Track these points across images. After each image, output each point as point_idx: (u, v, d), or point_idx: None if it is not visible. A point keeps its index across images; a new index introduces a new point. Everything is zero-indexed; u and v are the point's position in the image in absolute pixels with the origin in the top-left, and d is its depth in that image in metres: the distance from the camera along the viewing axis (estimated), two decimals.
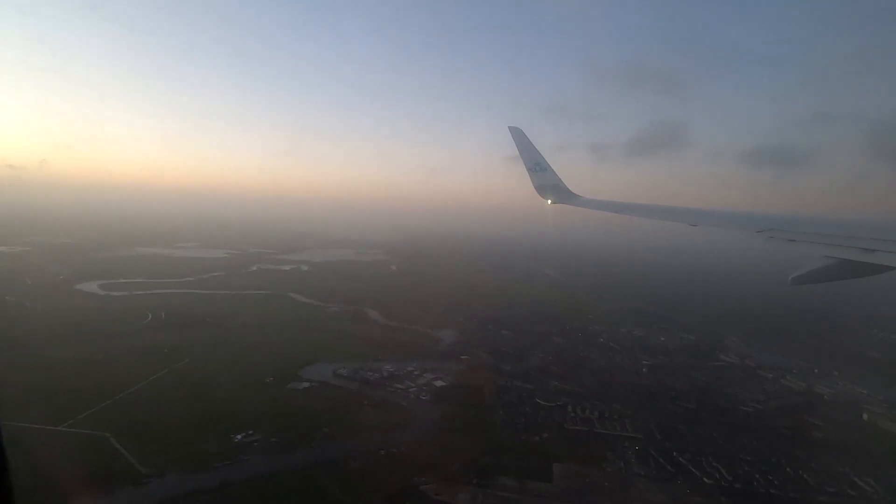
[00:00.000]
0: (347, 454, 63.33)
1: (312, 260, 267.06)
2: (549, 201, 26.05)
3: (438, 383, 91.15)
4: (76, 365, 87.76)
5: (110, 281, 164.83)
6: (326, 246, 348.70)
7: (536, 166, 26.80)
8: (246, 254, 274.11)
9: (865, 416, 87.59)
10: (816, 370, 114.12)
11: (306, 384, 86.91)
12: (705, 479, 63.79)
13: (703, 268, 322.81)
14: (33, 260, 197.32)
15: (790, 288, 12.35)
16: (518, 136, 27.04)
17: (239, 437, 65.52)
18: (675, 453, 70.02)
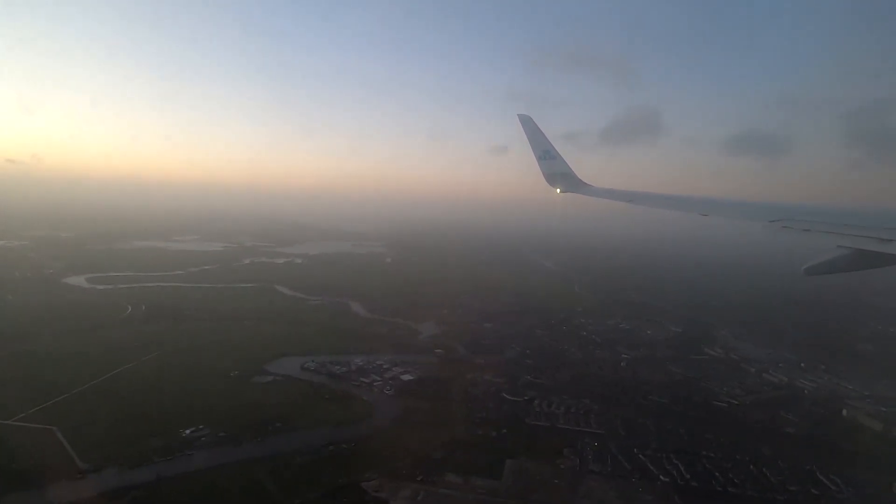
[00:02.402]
0: (295, 449, 62.36)
1: (308, 253, 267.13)
2: (559, 190, 25.48)
3: (406, 377, 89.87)
4: (43, 358, 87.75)
5: (99, 274, 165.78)
6: (326, 238, 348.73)
7: (546, 154, 26.26)
8: (242, 247, 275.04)
9: (845, 412, 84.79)
10: (803, 364, 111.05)
11: (270, 378, 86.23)
12: (662, 478, 61.77)
13: (710, 259, 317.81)
14: (29, 254, 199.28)
15: (794, 280, 12.01)
16: (527, 123, 26.55)
17: (188, 431, 64.77)
18: (635, 450, 68.07)
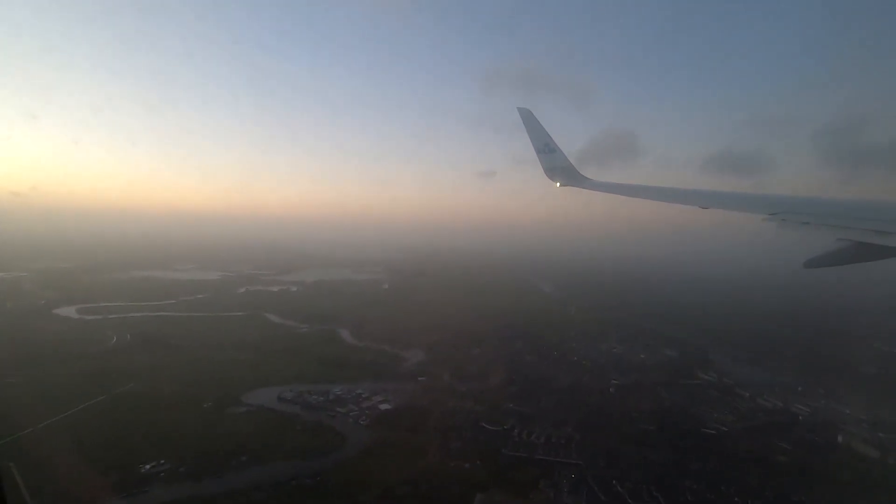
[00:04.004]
0: (255, 484, 60.15)
1: (305, 280, 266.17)
2: (558, 184, 25.28)
3: (384, 406, 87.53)
4: (17, 390, 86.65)
5: (90, 304, 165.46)
6: (326, 265, 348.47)
7: (546, 147, 26.25)
8: (240, 275, 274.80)
9: (840, 439, 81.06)
10: (800, 388, 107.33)
11: (244, 409, 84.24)
12: None
13: (710, 277, 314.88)
14: (25, 285, 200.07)
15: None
16: (527, 117, 26.84)
17: (147, 466, 62.87)
18: (614, 481, 65.09)
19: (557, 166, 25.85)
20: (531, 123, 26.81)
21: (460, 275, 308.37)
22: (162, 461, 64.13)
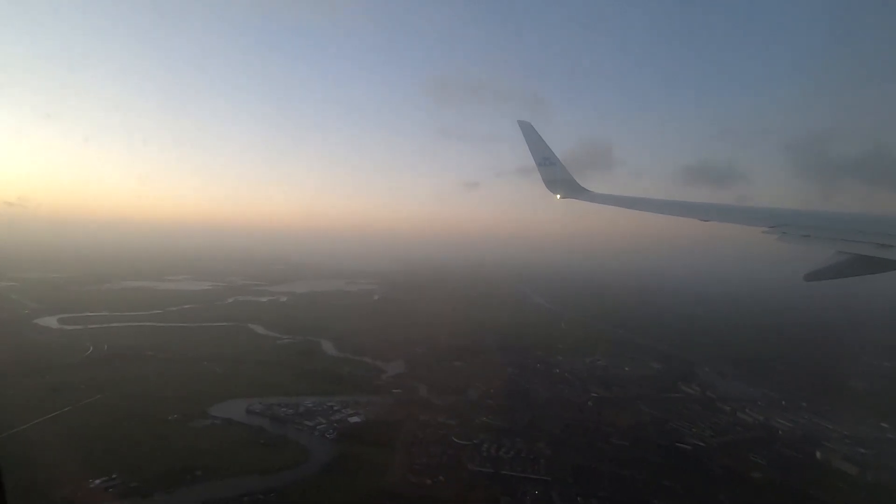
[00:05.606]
0: (205, 501, 58.37)
1: (296, 291, 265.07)
2: (558, 196, 25.41)
3: (353, 420, 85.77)
4: None
5: (72, 315, 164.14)
6: (320, 276, 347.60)
7: (545, 160, 26.53)
8: (231, 286, 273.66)
9: (819, 455, 78.92)
10: (784, 402, 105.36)
11: (209, 422, 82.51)
12: None
13: (707, 292, 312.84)
14: (11, 295, 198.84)
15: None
16: (527, 129, 27.17)
17: (98, 481, 61.12)
18: (579, 498, 63.14)
19: (558, 179, 26.08)
20: (531, 136, 27.00)
21: (453, 286, 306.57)
22: (114, 476, 62.38)
